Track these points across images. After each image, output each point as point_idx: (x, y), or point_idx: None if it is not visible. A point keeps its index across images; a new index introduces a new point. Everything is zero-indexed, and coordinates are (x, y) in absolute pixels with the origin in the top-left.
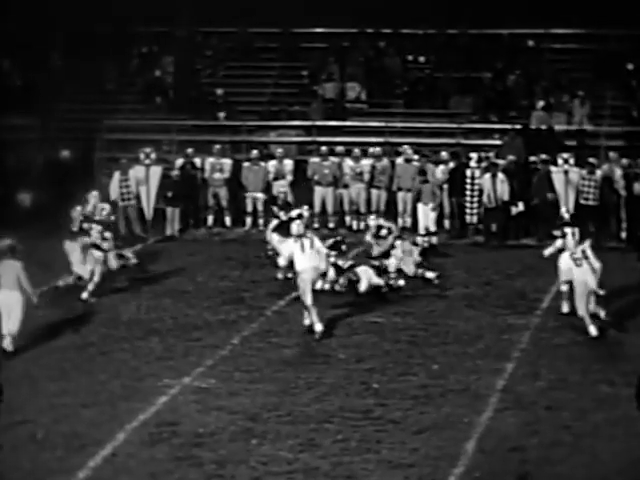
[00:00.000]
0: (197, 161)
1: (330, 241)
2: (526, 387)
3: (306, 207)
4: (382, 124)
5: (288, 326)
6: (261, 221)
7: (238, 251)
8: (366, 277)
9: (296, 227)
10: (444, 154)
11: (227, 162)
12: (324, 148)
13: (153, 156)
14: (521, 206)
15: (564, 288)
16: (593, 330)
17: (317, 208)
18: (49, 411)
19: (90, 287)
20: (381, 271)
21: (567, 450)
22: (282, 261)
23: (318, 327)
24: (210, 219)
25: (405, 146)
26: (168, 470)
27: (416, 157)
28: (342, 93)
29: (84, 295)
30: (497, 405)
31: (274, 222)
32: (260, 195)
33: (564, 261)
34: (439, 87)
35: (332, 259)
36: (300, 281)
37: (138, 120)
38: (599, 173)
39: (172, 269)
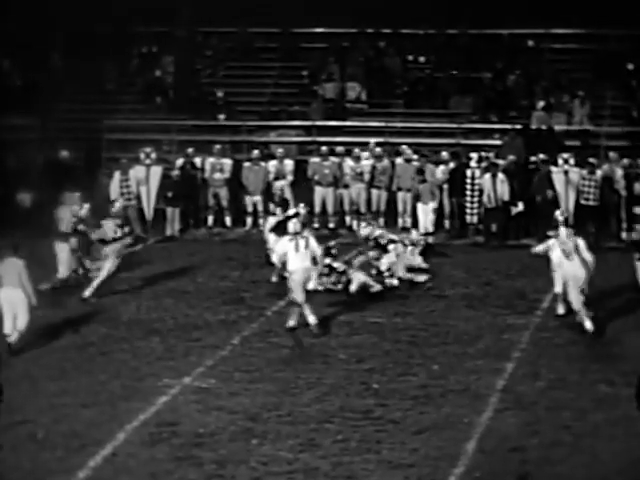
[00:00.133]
0: (197, 161)
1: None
2: (526, 387)
3: (302, 205)
4: (382, 124)
5: None
6: (261, 221)
7: (238, 251)
8: (357, 279)
9: (292, 226)
10: (444, 154)
11: (227, 162)
12: (324, 148)
13: (153, 156)
14: (521, 206)
15: (559, 289)
16: (589, 324)
17: (317, 208)
18: (49, 411)
19: (95, 284)
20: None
21: (567, 450)
22: (275, 259)
23: (312, 320)
24: (210, 219)
25: (404, 146)
26: (168, 470)
27: (416, 157)
28: (342, 93)
29: (86, 293)
30: (497, 405)
31: (271, 220)
32: (259, 198)
33: (556, 253)
34: (439, 87)
35: (328, 260)
36: (291, 281)
37: (138, 120)
38: (599, 173)
39: (172, 269)
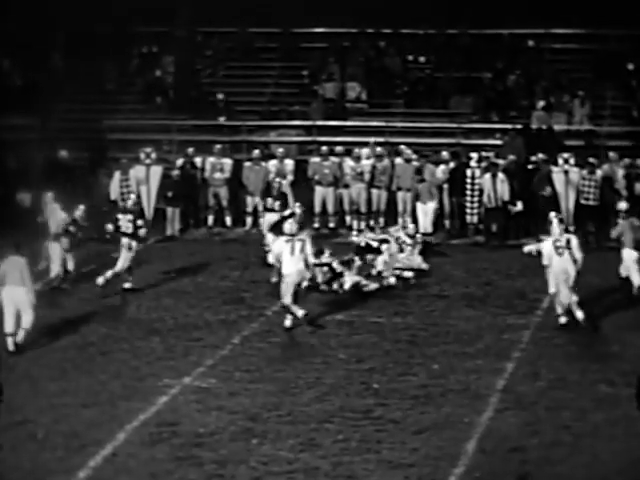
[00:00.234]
0: (198, 161)
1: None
2: (526, 387)
3: (298, 204)
4: (382, 124)
5: None
6: (261, 220)
7: (238, 251)
8: (351, 279)
9: (289, 226)
10: (445, 154)
11: (228, 162)
12: (324, 148)
13: (153, 156)
14: (520, 205)
15: (553, 290)
16: (580, 314)
17: (317, 208)
18: (49, 411)
19: (109, 274)
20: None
21: (567, 450)
22: (271, 259)
23: (300, 313)
24: (210, 219)
25: (403, 146)
26: (168, 470)
27: (415, 157)
28: (342, 93)
29: (100, 280)
30: (497, 405)
31: (268, 217)
32: (259, 198)
33: (547, 247)
34: (439, 87)
35: (328, 258)
36: (283, 283)
37: (138, 120)
38: (599, 173)
39: (172, 269)
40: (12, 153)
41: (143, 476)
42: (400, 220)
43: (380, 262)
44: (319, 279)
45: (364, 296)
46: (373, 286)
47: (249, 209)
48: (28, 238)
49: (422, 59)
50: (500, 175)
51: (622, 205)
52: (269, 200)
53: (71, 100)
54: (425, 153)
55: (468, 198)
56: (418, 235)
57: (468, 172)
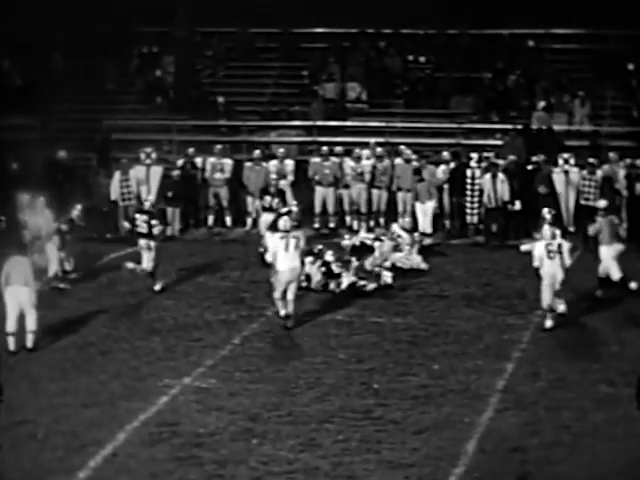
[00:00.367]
0: (198, 161)
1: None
2: (526, 387)
3: (295, 202)
4: (383, 124)
5: None
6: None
7: (238, 251)
8: (347, 279)
9: (283, 223)
10: (445, 154)
11: (228, 162)
12: (325, 148)
13: (154, 156)
14: (518, 205)
15: (546, 304)
16: (549, 322)
17: (318, 208)
18: (49, 411)
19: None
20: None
21: (567, 450)
22: (268, 257)
23: (282, 312)
24: (211, 219)
25: (403, 146)
26: (168, 470)
27: (415, 157)
28: (342, 93)
29: (157, 287)
30: (497, 405)
31: (265, 217)
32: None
33: (538, 249)
34: (439, 87)
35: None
36: (276, 280)
37: (138, 120)
38: (599, 173)
39: (172, 269)
40: (12, 153)
41: (143, 476)
42: (400, 220)
43: (369, 261)
44: (318, 279)
45: (364, 296)
46: (371, 286)
47: (249, 209)
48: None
49: (422, 59)
50: (500, 175)
51: (601, 203)
52: (267, 199)
53: (71, 100)
54: (425, 153)
55: (468, 198)
56: (416, 234)
57: (468, 172)
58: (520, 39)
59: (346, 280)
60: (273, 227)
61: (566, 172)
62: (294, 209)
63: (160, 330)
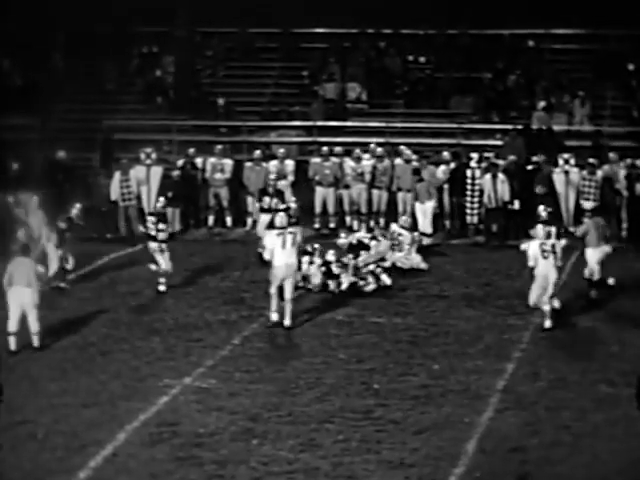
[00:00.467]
0: (198, 161)
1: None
2: (526, 387)
3: (294, 199)
4: (383, 124)
5: None
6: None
7: (239, 251)
8: (347, 279)
9: (279, 219)
10: (445, 154)
11: (228, 162)
12: (325, 148)
13: (154, 156)
14: (516, 204)
15: (532, 303)
16: (548, 323)
17: (318, 208)
18: (49, 411)
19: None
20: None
21: (567, 450)
22: (266, 255)
23: (273, 317)
24: (211, 219)
25: (403, 147)
26: (169, 470)
27: (415, 157)
28: (343, 93)
29: (161, 287)
30: (497, 405)
31: (264, 217)
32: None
33: (532, 248)
34: (439, 87)
35: (332, 257)
36: (272, 276)
37: (138, 120)
38: (599, 174)
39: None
40: (12, 153)
41: (143, 476)
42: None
43: (362, 258)
44: (317, 280)
45: (364, 296)
46: (371, 287)
47: (250, 209)
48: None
49: (422, 59)
50: (500, 175)
51: (587, 204)
52: (266, 199)
53: (71, 100)
54: (426, 154)
55: (468, 198)
56: (415, 233)
57: (468, 172)
58: (520, 39)
59: (346, 280)
60: (271, 225)
61: (566, 172)
62: (292, 205)
63: (160, 330)
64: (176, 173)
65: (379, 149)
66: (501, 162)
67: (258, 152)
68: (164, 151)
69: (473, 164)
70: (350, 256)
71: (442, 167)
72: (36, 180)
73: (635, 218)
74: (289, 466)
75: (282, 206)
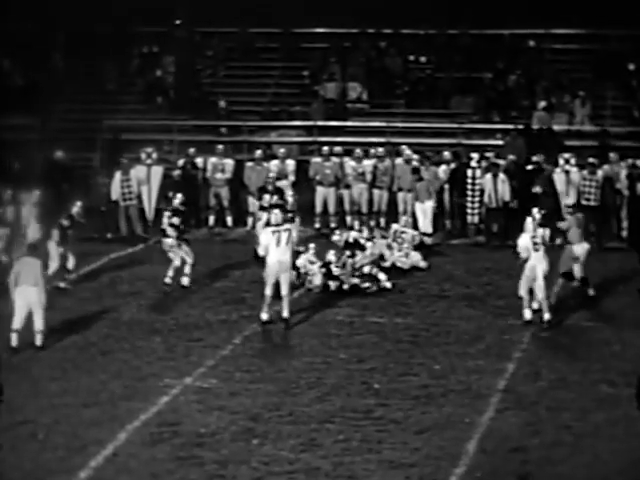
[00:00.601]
0: (199, 161)
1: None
2: (527, 387)
3: (291, 193)
4: (383, 124)
5: None
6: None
7: (239, 251)
8: (347, 280)
9: (274, 217)
10: (446, 154)
11: (229, 162)
12: (326, 148)
13: (154, 156)
14: (515, 204)
15: (523, 293)
16: (527, 314)
17: (319, 208)
18: (50, 411)
19: (187, 271)
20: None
21: (568, 450)
22: (260, 251)
23: (264, 316)
24: (211, 219)
25: (403, 146)
26: (169, 470)
27: (415, 157)
28: (343, 93)
29: (184, 281)
30: (498, 405)
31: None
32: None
33: (523, 240)
34: (440, 87)
35: (332, 257)
36: (265, 274)
37: (139, 120)
38: (600, 174)
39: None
40: (12, 153)
41: (144, 476)
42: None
43: (357, 258)
44: (318, 281)
45: (364, 296)
46: (372, 288)
47: (250, 209)
48: None
49: (423, 59)
50: (501, 175)
51: (569, 200)
52: (266, 197)
53: (71, 100)
54: (426, 154)
55: (469, 198)
56: (415, 233)
57: (469, 172)
58: (521, 39)
59: (347, 283)
60: (268, 222)
61: (567, 172)
62: (289, 199)
63: (161, 330)
64: (177, 173)
65: (379, 149)
66: (502, 162)
67: (259, 152)
68: (165, 151)
69: (474, 164)
70: (347, 253)
71: (442, 167)
72: (35, 180)
73: (636, 218)
74: (290, 466)
75: (277, 202)
